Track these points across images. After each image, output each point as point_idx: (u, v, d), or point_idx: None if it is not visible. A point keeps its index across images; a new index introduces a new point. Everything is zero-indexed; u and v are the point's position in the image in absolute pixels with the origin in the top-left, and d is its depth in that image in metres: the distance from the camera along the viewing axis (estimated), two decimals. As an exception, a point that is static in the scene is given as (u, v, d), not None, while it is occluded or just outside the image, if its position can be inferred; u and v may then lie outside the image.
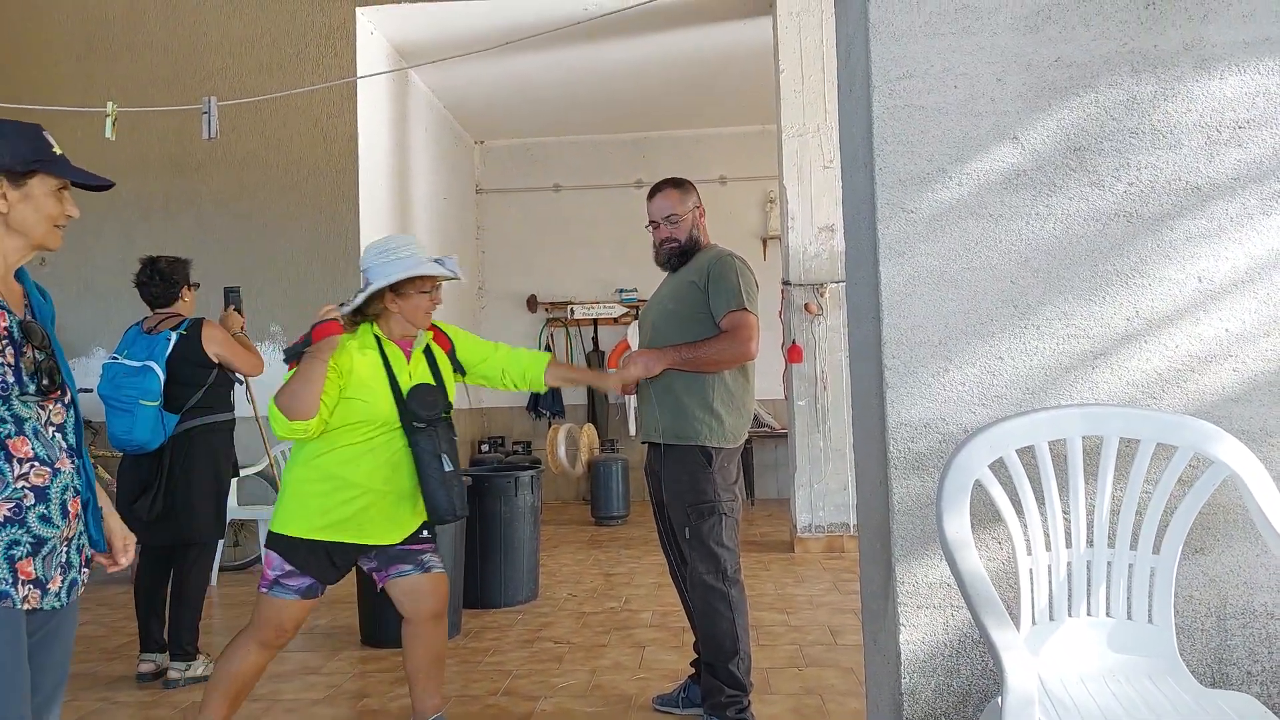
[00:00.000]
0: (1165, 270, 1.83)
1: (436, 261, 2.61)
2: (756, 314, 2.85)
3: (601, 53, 7.13)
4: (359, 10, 6.25)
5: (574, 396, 9.06)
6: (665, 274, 3.15)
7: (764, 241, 8.57)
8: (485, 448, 8.57)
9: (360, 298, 2.56)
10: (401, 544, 2.62)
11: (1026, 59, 1.89)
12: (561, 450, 7.73)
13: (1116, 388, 1.82)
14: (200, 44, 6.31)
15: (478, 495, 4.56)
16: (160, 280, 3.62)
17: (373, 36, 6.54)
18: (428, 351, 2.73)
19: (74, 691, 3.45)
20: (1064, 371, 1.84)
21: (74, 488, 1.68)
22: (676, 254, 3.02)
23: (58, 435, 1.68)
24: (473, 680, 3.45)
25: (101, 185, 1.77)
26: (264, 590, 2.50)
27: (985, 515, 1.74)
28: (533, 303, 9.15)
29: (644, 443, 3.02)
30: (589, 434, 8.13)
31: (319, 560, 2.51)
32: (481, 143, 9.38)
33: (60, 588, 1.66)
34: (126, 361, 3.43)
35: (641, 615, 4.37)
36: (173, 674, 3.45)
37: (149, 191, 6.23)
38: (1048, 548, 1.57)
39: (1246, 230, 1.83)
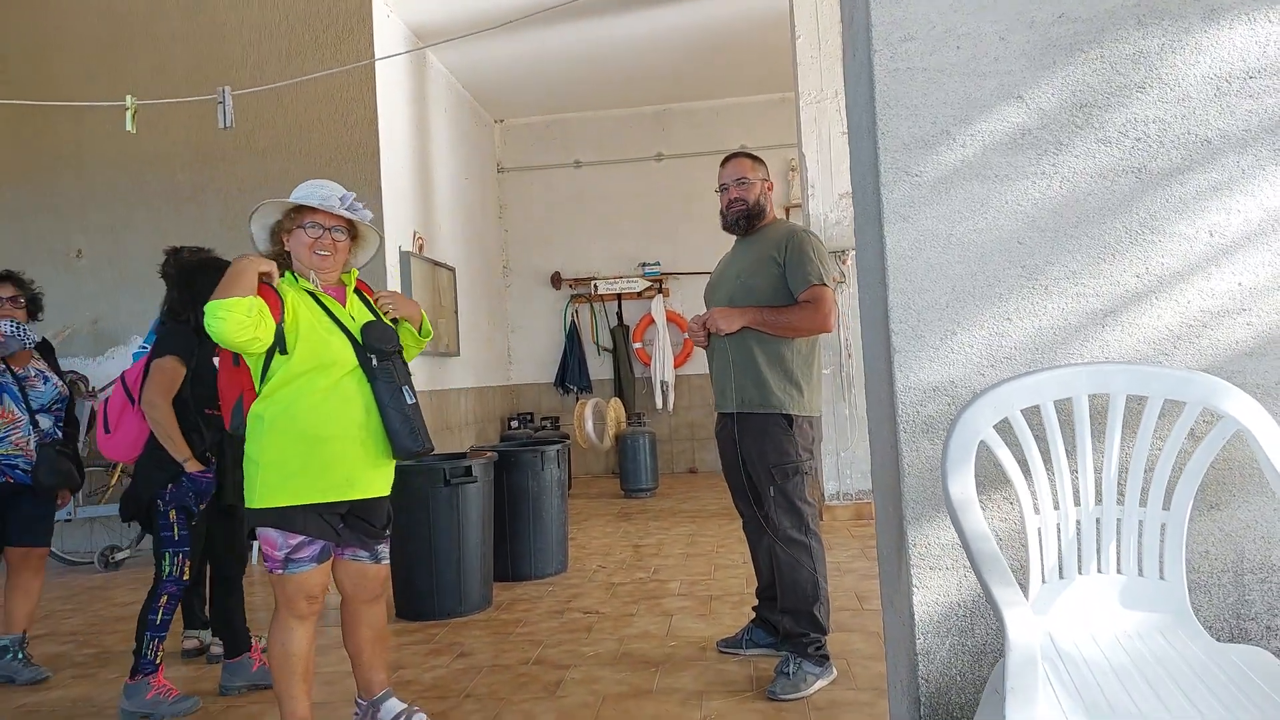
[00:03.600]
0: (1175, 225, 1.81)
1: (319, 201, 2.55)
2: (831, 288, 2.99)
3: (618, 26, 7.10)
4: (374, -8, 6.27)
5: (601, 371, 9.12)
6: (726, 251, 3.30)
7: (786, 210, 8.51)
8: (514, 423, 8.67)
9: (262, 224, 2.60)
10: (366, 530, 2.60)
11: (1030, 16, 1.86)
12: (589, 424, 7.84)
13: (1128, 346, 1.80)
14: (219, 33, 6.37)
15: (506, 470, 4.63)
16: (183, 269, 3.70)
17: (389, 19, 6.56)
18: (359, 295, 2.70)
19: (123, 668, 3.58)
20: (1074, 331, 1.83)
21: None
22: (743, 216, 3.15)
23: None
24: (504, 650, 3.53)
25: None
26: (279, 571, 2.48)
27: (994, 476, 1.75)
28: (556, 279, 9.19)
29: (721, 412, 3.14)
30: (616, 408, 8.24)
31: (318, 523, 2.48)
32: (501, 121, 9.39)
33: None
34: None
35: (670, 585, 4.43)
36: (215, 650, 3.56)
37: (177, 182, 6.33)
38: (1056, 506, 1.58)
39: (1259, 182, 1.80)
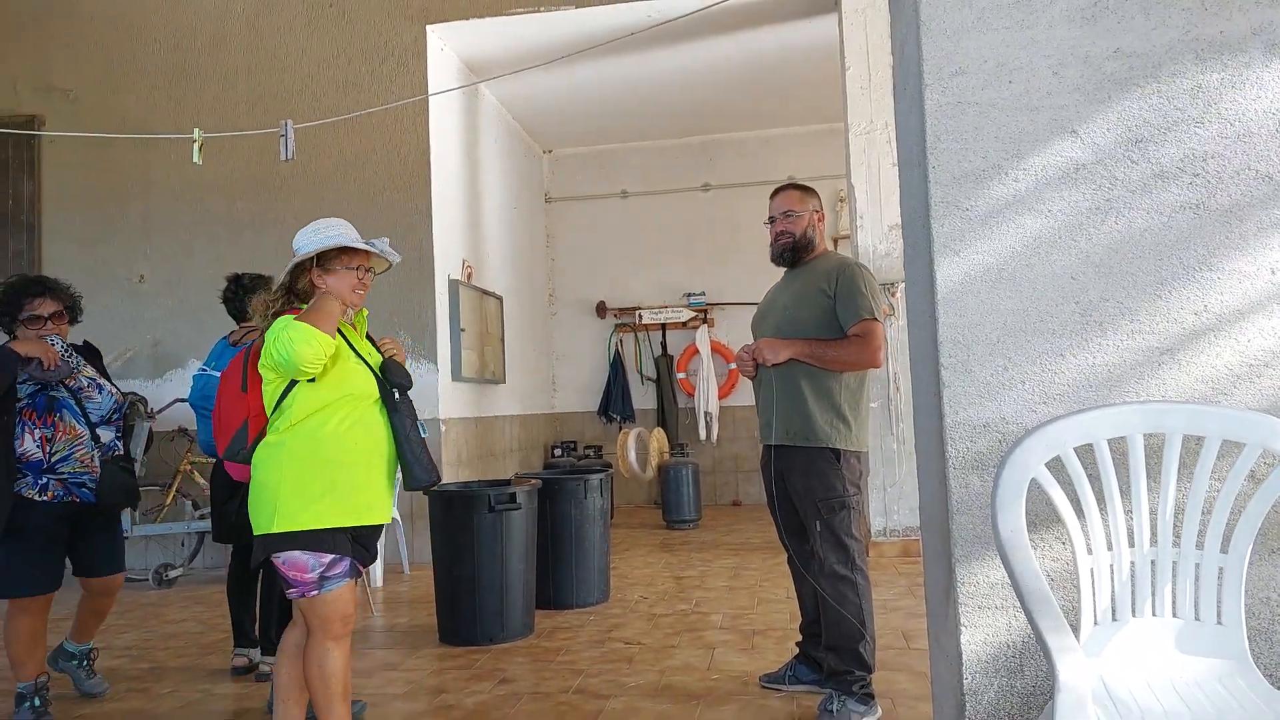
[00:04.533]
0: (1235, 263, 1.78)
1: (367, 243, 2.62)
2: (882, 322, 2.98)
3: (667, 58, 7.19)
4: (429, 27, 6.44)
5: (644, 401, 9.13)
6: (772, 282, 3.31)
7: (835, 241, 8.48)
8: (558, 451, 8.70)
9: (287, 269, 2.61)
10: (363, 558, 2.62)
11: (1084, 51, 1.86)
12: (632, 454, 7.84)
13: (1185, 385, 1.77)
14: (280, 66, 6.58)
15: (549, 498, 4.64)
16: (244, 295, 3.80)
17: (443, 52, 6.73)
18: (369, 339, 2.79)
19: (176, 683, 3.65)
20: (1129, 369, 1.80)
21: None
22: (789, 249, 3.15)
23: None
24: (545, 678, 3.52)
25: None
26: (313, 594, 2.46)
27: (1045, 515, 1.72)
28: (602, 309, 9.25)
29: (767, 445, 3.12)
30: (659, 438, 8.22)
31: (344, 541, 2.50)
32: (550, 152, 9.53)
33: None
34: (214, 373, 3.62)
35: (712, 618, 4.39)
36: (264, 668, 3.61)
37: (236, 211, 6.52)
38: (1109, 547, 1.55)
39: (1322, 219, 1.76)
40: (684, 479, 7.53)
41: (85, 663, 3.56)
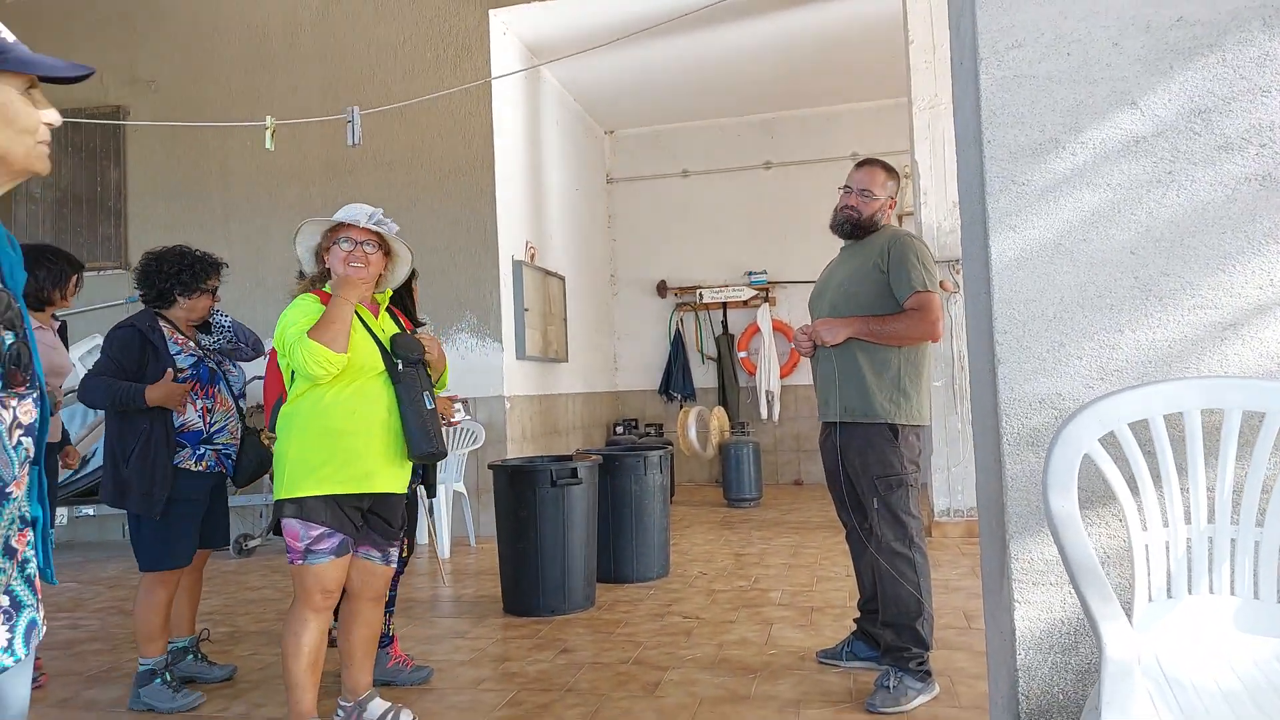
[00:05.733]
0: (1303, 235, 1.73)
1: (354, 217, 2.71)
2: (938, 294, 2.97)
3: (727, 35, 7.15)
4: (491, 12, 6.52)
5: (705, 380, 9.15)
6: (832, 257, 3.30)
7: (900, 218, 8.33)
8: (619, 429, 8.80)
9: (308, 246, 2.80)
10: (383, 530, 2.73)
11: (1145, 20, 1.82)
12: (692, 432, 7.88)
13: (1249, 360, 1.73)
14: (348, 53, 6.75)
15: (609, 474, 4.72)
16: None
17: (505, 36, 6.81)
18: (391, 314, 2.92)
19: (255, 646, 3.84)
20: (1190, 345, 1.77)
21: (22, 516, 1.26)
22: (850, 224, 3.14)
23: (24, 441, 1.24)
24: (604, 649, 3.61)
25: (78, 75, 1.27)
26: (299, 562, 2.60)
27: (1100, 491, 1.71)
28: (662, 288, 9.29)
29: (826, 422, 3.13)
30: (719, 417, 8.25)
31: (338, 514, 2.61)
32: (611, 132, 9.57)
33: (14, 639, 1.22)
34: None
35: (770, 594, 4.42)
36: (335, 633, 3.77)
37: (309, 194, 6.73)
38: (1165, 524, 1.54)
39: (1399, 189, 1.70)
40: (745, 457, 7.55)
41: (198, 654, 3.45)
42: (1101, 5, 1.83)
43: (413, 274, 3.50)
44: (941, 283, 5.85)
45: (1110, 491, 1.62)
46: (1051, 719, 1.76)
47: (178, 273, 3.33)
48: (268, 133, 3.94)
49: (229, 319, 3.51)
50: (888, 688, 2.85)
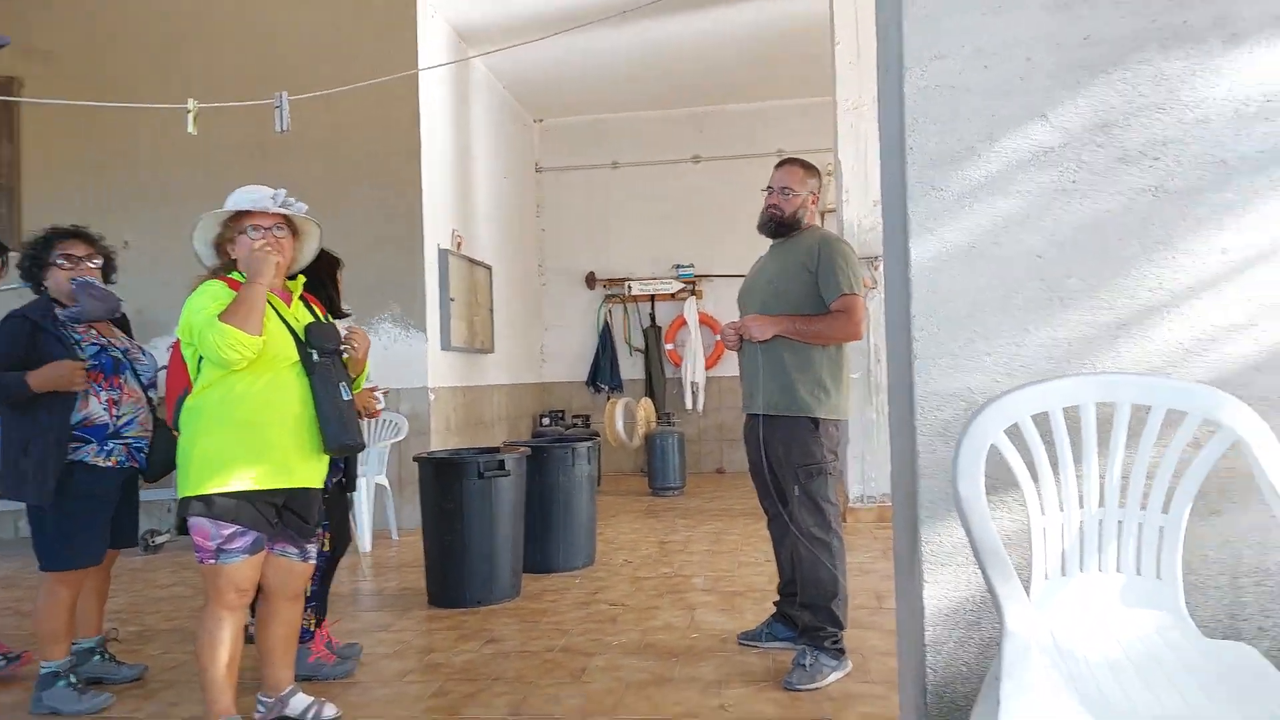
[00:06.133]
0: (1189, 243, 1.88)
1: (259, 201, 2.63)
2: (862, 296, 3.11)
3: (659, 27, 7.21)
4: (418, -7, 6.43)
5: (632, 371, 9.23)
6: (759, 254, 3.41)
7: (822, 215, 8.52)
8: (545, 421, 8.81)
9: (204, 239, 2.66)
10: (299, 526, 2.67)
11: (1056, 38, 1.94)
12: (619, 423, 7.95)
13: (1140, 357, 1.87)
14: (268, 33, 6.56)
15: (537, 465, 4.75)
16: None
17: (433, 20, 6.72)
18: (305, 302, 2.81)
19: (167, 645, 3.74)
20: (1089, 343, 1.90)
21: None
22: (775, 222, 3.26)
23: None
24: (531, 638, 3.65)
25: None
26: (210, 562, 2.50)
27: (1005, 479, 1.83)
28: (591, 279, 9.32)
29: (750, 414, 3.24)
30: (646, 408, 8.34)
31: (251, 512, 2.52)
32: (541, 121, 9.53)
33: None
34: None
35: (694, 580, 4.52)
36: (252, 629, 3.69)
37: (226, 179, 6.47)
38: (1061, 508, 1.66)
39: (1272, 203, 1.86)
40: (670, 447, 7.66)
41: (106, 654, 3.33)
42: (1015, 21, 1.94)
43: (338, 264, 3.45)
44: (862, 279, 6.07)
45: (1013, 479, 1.74)
46: (956, 690, 1.88)
47: (35, 253, 3.16)
48: (190, 116, 3.82)
49: (85, 280, 3.16)
50: (804, 666, 2.97)
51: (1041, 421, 1.70)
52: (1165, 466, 1.65)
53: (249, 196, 2.63)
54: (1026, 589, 1.66)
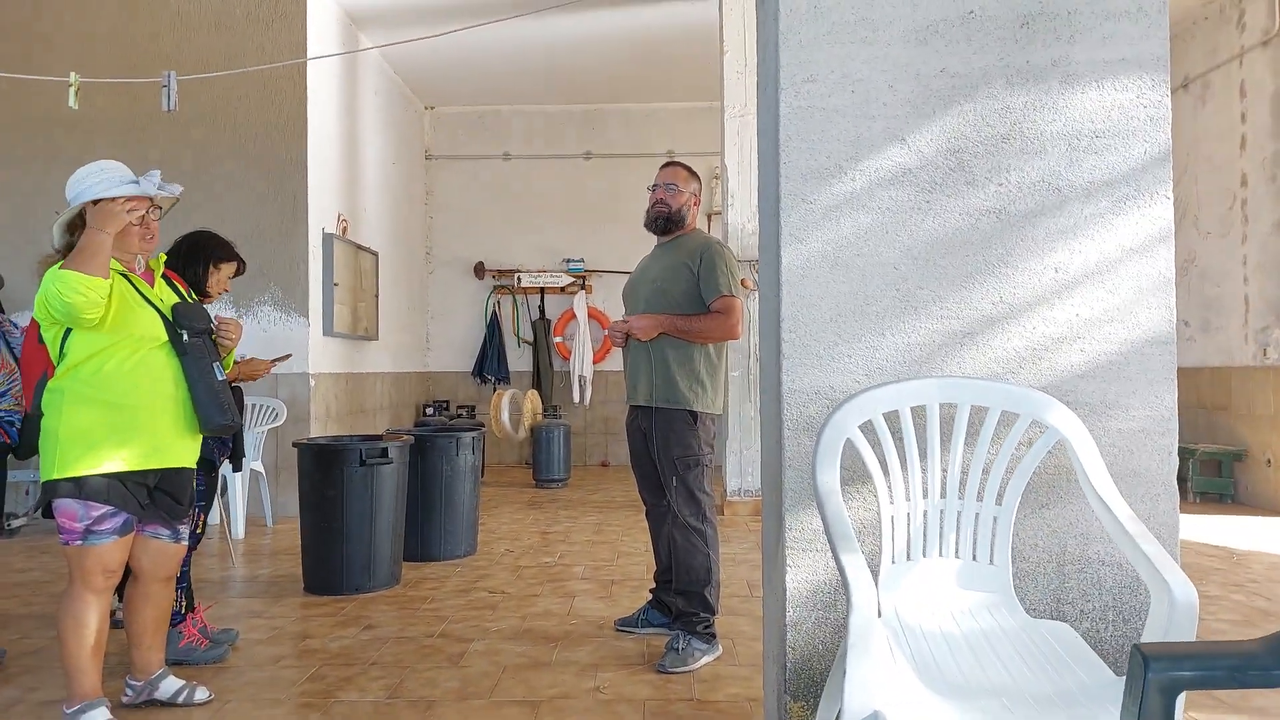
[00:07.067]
0: (1027, 262, 2.09)
1: (134, 183, 2.55)
2: (740, 298, 3.25)
3: (555, 24, 7.24)
4: (310, -28, 6.27)
5: (519, 363, 9.24)
6: (647, 253, 3.54)
7: (709, 217, 8.79)
8: (430, 410, 8.72)
9: (60, 222, 2.55)
10: (170, 507, 2.64)
11: (915, 69, 2.12)
12: (505, 415, 7.95)
13: (982, 363, 2.08)
14: (150, 2, 6.26)
15: (420, 454, 4.74)
16: None
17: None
18: (168, 281, 2.77)
19: (26, 630, 3.58)
20: (937, 348, 2.09)
21: None
22: (663, 218, 3.39)
23: None
24: (409, 624, 3.66)
25: None
26: (77, 543, 2.46)
27: (860, 471, 1.99)
28: (480, 270, 9.27)
29: (633, 405, 3.38)
30: (532, 400, 8.37)
31: (122, 492, 2.49)
32: (432, 108, 9.41)
33: None
34: None
35: (574, 569, 4.62)
36: (120, 614, 3.58)
37: (94, 151, 6.19)
38: (907, 498, 1.83)
39: (1099, 228, 2.09)
40: (555, 440, 7.72)
41: None
42: (880, 52, 2.11)
43: (229, 260, 3.31)
44: (743, 280, 6.28)
45: (867, 471, 1.91)
46: (814, 667, 2.03)
47: None
48: (71, 90, 3.64)
49: None
50: (677, 650, 3.11)
51: (893, 419, 1.87)
52: (1000, 463, 1.84)
53: (118, 175, 2.55)
54: (876, 573, 1.83)
